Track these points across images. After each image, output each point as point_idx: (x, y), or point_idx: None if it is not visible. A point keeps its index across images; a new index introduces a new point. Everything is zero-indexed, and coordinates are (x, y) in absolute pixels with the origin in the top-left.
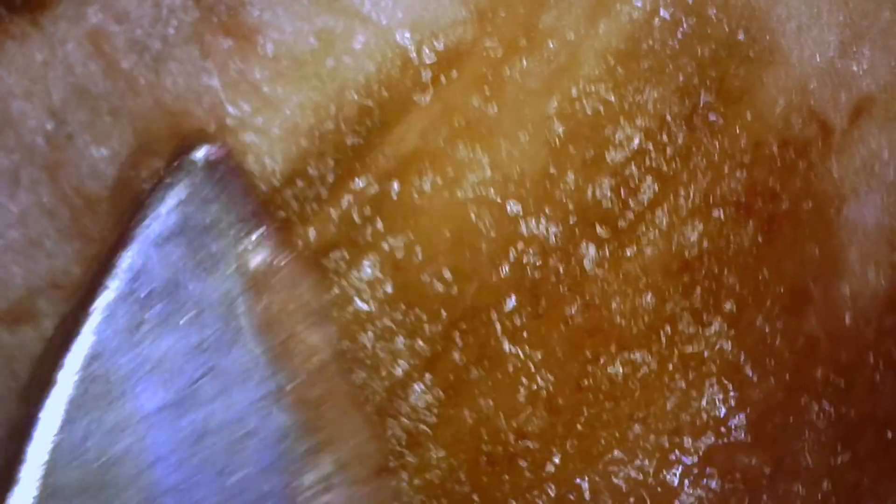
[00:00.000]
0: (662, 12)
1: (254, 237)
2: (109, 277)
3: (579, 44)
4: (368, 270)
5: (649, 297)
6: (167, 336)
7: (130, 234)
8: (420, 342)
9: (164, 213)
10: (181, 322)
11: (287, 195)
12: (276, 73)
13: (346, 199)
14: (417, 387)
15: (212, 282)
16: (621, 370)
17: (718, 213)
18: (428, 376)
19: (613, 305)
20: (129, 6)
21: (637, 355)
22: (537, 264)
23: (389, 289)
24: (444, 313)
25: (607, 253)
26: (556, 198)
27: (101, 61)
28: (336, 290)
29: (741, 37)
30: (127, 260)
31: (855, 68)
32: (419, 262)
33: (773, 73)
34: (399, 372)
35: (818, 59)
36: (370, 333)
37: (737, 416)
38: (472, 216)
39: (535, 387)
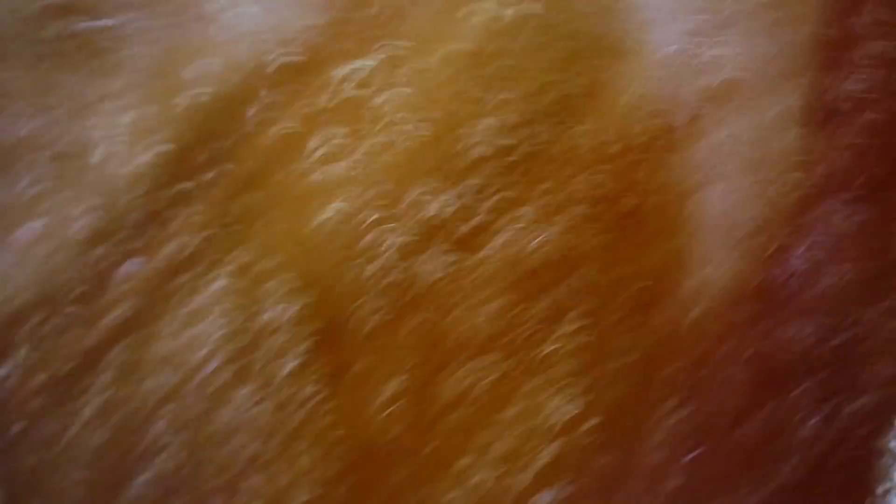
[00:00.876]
0: (513, 11)
1: None
2: None
3: (430, 47)
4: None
5: (497, 303)
6: None
7: None
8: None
9: None
10: None
11: None
12: None
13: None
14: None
15: None
16: (467, 379)
17: (566, 216)
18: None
19: (458, 313)
20: None
21: (483, 361)
22: (381, 275)
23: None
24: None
25: (453, 260)
26: (402, 206)
27: None
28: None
29: (595, 32)
30: None
31: (707, 58)
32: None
33: (626, 67)
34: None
35: (672, 49)
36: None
37: (588, 419)
38: (319, 226)
39: (385, 397)
